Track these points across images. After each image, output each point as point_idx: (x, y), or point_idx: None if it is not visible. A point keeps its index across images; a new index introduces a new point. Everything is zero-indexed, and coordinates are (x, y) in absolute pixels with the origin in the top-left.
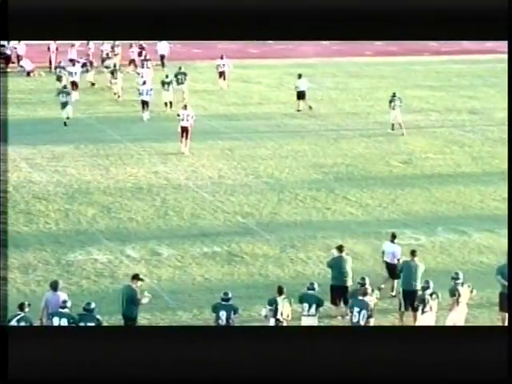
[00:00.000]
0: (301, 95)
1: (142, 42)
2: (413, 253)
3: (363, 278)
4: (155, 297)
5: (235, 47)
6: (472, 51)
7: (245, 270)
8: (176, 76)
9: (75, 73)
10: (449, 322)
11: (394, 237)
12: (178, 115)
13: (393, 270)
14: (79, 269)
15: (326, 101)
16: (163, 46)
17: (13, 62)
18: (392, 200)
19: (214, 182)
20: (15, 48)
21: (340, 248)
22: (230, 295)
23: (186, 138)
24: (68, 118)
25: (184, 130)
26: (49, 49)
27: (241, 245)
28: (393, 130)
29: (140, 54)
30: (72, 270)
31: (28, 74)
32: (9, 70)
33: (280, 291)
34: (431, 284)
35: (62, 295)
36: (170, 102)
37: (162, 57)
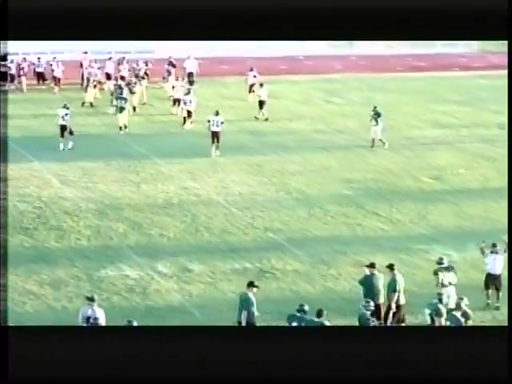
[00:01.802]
0: (261, 104)
1: (172, 58)
2: (390, 267)
3: (440, 294)
4: (186, 312)
5: (264, 63)
6: (499, 66)
7: (275, 286)
8: (128, 85)
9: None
10: None
11: (495, 246)
12: (209, 121)
13: (496, 280)
14: (110, 285)
15: (354, 116)
16: (191, 64)
17: (45, 80)
18: (421, 215)
19: (244, 198)
20: (51, 65)
21: (372, 265)
22: (305, 307)
23: (218, 141)
24: (124, 126)
25: (215, 135)
26: (81, 65)
27: (271, 261)
28: (373, 146)
29: (170, 72)
30: (103, 285)
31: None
32: (43, 86)
33: (319, 314)
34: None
35: (98, 311)
36: (185, 118)
37: (191, 74)
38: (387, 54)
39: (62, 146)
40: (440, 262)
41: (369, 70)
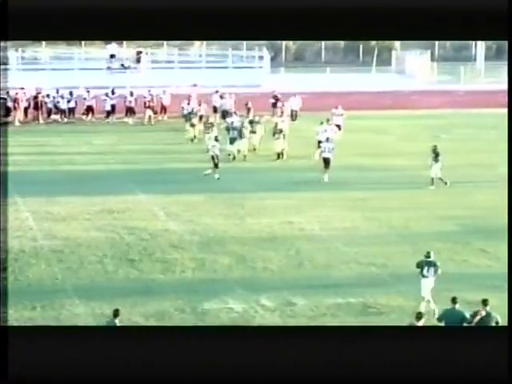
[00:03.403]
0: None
1: (276, 92)
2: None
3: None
4: None
5: (366, 98)
6: None
7: (379, 321)
8: (251, 123)
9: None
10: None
11: None
12: (320, 147)
13: None
14: (214, 317)
15: (459, 152)
16: (296, 101)
17: (155, 112)
18: None
19: (348, 233)
20: (161, 98)
21: (454, 300)
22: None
23: (327, 167)
24: (238, 151)
25: (326, 161)
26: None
27: (375, 296)
28: (433, 184)
29: (275, 105)
30: (207, 318)
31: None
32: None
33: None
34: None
35: None
36: (282, 152)
37: (294, 111)
38: (492, 90)
39: (216, 176)
40: (427, 256)
41: (475, 106)
